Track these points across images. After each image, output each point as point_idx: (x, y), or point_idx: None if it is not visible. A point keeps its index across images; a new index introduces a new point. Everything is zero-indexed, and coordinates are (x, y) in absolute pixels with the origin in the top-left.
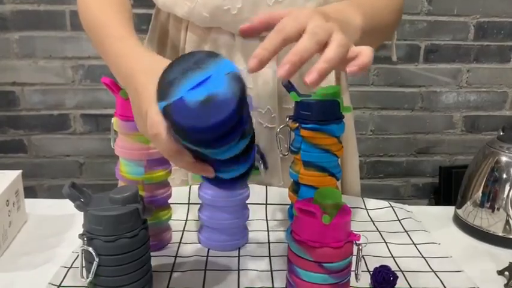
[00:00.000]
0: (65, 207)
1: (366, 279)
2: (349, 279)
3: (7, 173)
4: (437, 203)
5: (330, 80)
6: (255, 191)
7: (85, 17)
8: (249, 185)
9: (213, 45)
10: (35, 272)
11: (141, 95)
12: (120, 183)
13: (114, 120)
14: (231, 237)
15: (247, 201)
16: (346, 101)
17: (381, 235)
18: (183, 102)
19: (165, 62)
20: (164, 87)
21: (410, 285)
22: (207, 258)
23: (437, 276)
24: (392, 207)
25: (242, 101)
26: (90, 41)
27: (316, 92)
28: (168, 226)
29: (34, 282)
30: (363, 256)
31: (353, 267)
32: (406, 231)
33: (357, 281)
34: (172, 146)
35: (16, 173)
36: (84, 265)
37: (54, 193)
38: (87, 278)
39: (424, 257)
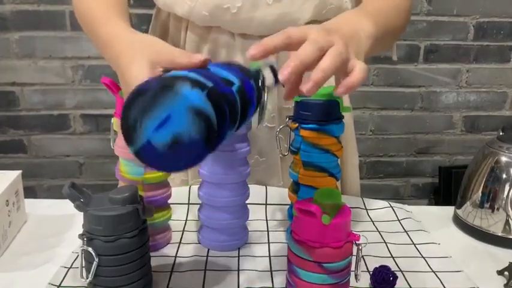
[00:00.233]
0: (65, 207)
1: (365, 280)
2: (348, 279)
3: (7, 173)
4: (437, 203)
5: (330, 80)
6: (255, 191)
7: (78, 6)
8: (249, 185)
9: (213, 45)
10: (34, 272)
11: (124, 76)
12: (120, 184)
13: (114, 120)
14: (230, 237)
15: (247, 201)
16: (345, 101)
17: (381, 235)
18: (151, 146)
19: (145, 39)
20: (129, 131)
21: (410, 285)
22: (206, 258)
23: (437, 276)
24: (392, 207)
25: (211, 132)
26: (84, 32)
27: (316, 92)
28: (168, 226)
29: (34, 282)
30: (362, 256)
31: (353, 267)
32: (405, 231)
33: (356, 281)
34: None
35: (16, 173)
36: (84, 265)
37: (54, 193)
38: (87, 278)
39: (423, 257)
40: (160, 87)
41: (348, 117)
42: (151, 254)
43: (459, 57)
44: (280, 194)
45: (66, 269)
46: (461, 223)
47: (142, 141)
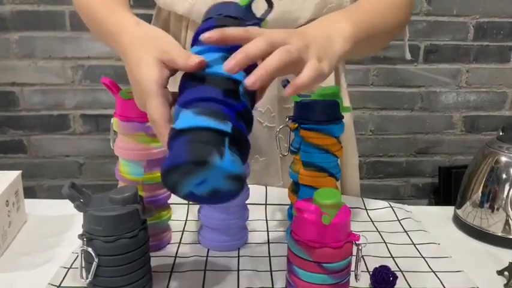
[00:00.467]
0: (65, 207)
1: (365, 280)
2: (348, 279)
3: (7, 173)
4: (437, 203)
5: (330, 80)
6: (255, 191)
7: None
8: (248, 185)
9: None
10: (34, 272)
11: (132, 72)
12: (120, 184)
13: (113, 120)
14: (230, 238)
15: (246, 202)
16: (345, 101)
17: (381, 235)
18: (194, 195)
19: (150, 33)
20: (171, 189)
21: (410, 286)
22: (206, 258)
23: (437, 276)
24: (392, 207)
25: (243, 178)
26: (85, 22)
27: (316, 92)
28: (168, 226)
29: (34, 283)
30: (362, 256)
31: (353, 268)
32: (405, 231)
33: (356, 281)
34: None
35: (16, 174)
36: (83, 265)
37: (53, 193)
38: (87, 278)
39: (423, 257)
40: (194, 162)
41: (347, 117)
42: (151, 254)
43: (459, 57)
44: (280, 194)
45: (66, 269)
46: (461, 223)
47: (185, 193)
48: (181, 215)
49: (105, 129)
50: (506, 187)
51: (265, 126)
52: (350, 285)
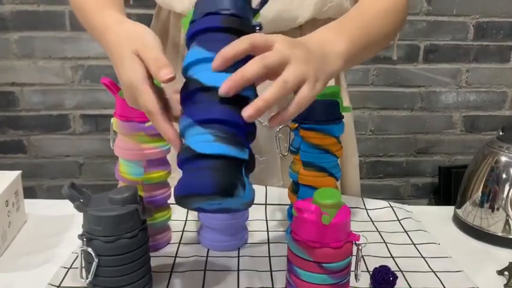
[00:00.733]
0: (65, 207)
1: (365, 280)
2: (348, 279)
3: (6, 173)
4: (437, 203)
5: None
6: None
7: None
8: None
9: None
10: (34, 272)
11: (117, 69)
12: (120, 184)
13: (113, 120)
14: (230, 238)
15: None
16: (345, 101)
17: (381, 235)
18: (203, 209)
19: (132, 31)
20: (183, 205)
21: (410, 285)
22: (206, 258)
23: (437, 276)
24: (392, 207)
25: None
26: (80, 22)
27: None
28: (168, 226)
29: (34, 283)
30: (362, 256)
31: (353, 268)
32: (405, 231)
33: (356, 281)
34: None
35: (15, 174)
36: (83, 265)
37: (53, 193)
38: (87, 278)
39: (423, 257)
40: (220, 194)
41: (347, 117)
42: (151, 254)
43: (459, 57)
44: (280, 194)
45: (66, 270)
46: (461, 223)
47: (194, 208)
48: (181, 215)
49: (105, 129)
50: (506, 187)
51: (265, 125)
52: (350, 285)
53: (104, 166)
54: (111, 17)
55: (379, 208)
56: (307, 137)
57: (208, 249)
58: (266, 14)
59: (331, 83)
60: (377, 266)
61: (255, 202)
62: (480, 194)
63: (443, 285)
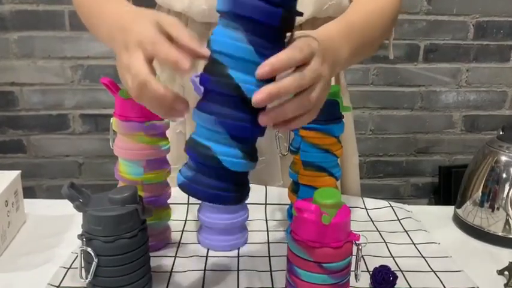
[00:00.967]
0: (64, 207)
1: (365, 279)
2: (348, 279)
3: (6, 173)
4: (437, 203)
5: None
6: (255, 191)
7: None
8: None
9: None
10: (34, 272)
11: (126, 32)
12: (120, 184)
13: (113, 120)
14: (230, 238)
15: (246, 201)
16: (345, 100)
17: (381, 235)
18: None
19: (150, 10)
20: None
21: (410, 285)
22: (206, 258)
23: (437, 276)
24: (392, 207)
25: None
26: (81, 13)
27: None
28: (168, 226)
29: (33, 283)
30: (362, 256)
31: (353, 267)
32: (405, 231)
33: (356, 281)
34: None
35: (15, 173)
36: (83, 265)
37: (53, 193)
38: (86, 278)
39: (423, 257)
40: (239, 202)
41: (347, 117)
42: (151, 254)
43: (459, 56)
44: (280, 193)
45: (66, 269)
46: (461, 223)
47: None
48: (181, 215)
49: (105, 129)
50: (507, 186)
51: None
52: (350, 285)
53: (104, 166)
54: (122, 5)
55: (379, 208)
56: (307, 137)
57: (208, 249)
58: None
59: (331, 82)
60: (377, 266)
61: (255, 202)
62: (480, 194)
63: (443, 285)
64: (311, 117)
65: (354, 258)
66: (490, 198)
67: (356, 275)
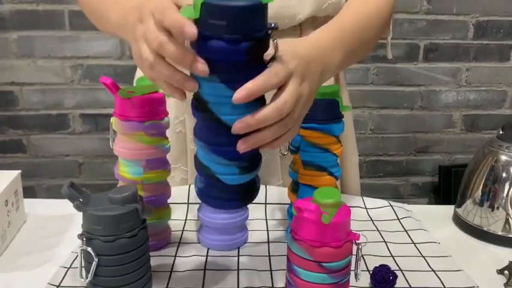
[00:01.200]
0: (64, 207)
1: (365, 279)
2: (348, 278)
3: (6, 173)
4: (436, 202)
5: (330, 79)
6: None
7: None
8: None
9: None
10: (34, 272)
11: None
12: (120, 183)
13: (113, 120)
14: (230, 237)
15: None
16: (345, 100)
17: (381, 234)
18: None
19: None
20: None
21: (409, 285)
22: (206, 258)
23: (437, 276)
24: (391, 206)
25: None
26: (88, 7)
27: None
28: (168, 226)
29: (33, 283)
30: (362, 255)
31: (352, 267)
32: (405, 230)
33: (356, 281)
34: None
35: (15, 173)
36: (83, 265)
37: (53, 193)
38: (87, 278)
39: (423, 256)
40: (244, 205)
41: (347, 116)
42: (151, 253)
43: (459, 56)
44: (280, 193)
45: (66, 269)
46: (461, 222)
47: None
48: (181, 215)
49: (105, 129)
50: (506, 186)
51: None
52: (350, 284)
53: (104, 165)
54: None
55: (379, 207)
56: (307, 136)
57: (208, 249)
58: None
59: (331, 82)
60: (377, 265)
61: (254, 201)
62: (480, 193)
63: (443, 284)
64: (293, 134)
65: (353, 258)
66: (490, 198)
67: (356, 275)
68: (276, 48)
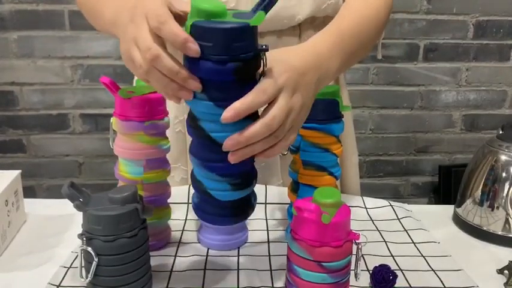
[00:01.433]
0: (64, 207)
1: (365, 279)
2: (348, 278)
3: (6, 173)
4: (436, 202)
5: None
6: (255, 190)
7: None
8: None
9: None
10: (34, 272)
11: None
12: (120, 183)
13: (113, 119)
14: (230, 237)
15: None
16: (345, 100)
17: (381, 234)
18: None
19: None
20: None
21: (409, 284)
22: (206, 257)
23: (437, 275)
24: (391, 206)
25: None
26: (87, 16)
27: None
28: (168, 226)
29: (33, 282)
30: (362, 255)
31: (352, 267)
32: (405, 230)
33: (356, 280)
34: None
35: (15, 173)
36: (83, 265)
37: (53, 193)
38: (87, 278)
39: (423, 256)
40: (238, 222)
41: (347, 116)
42: (151, 253)
43: (459, 55)
44: (280, 193)
45: (66, 269)
46: (461, 222)
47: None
48: (181, 215)
49: (105, 129)
50: (506, 186)
51: None
52: (350, 284)
53: (104, 165)
54: None
55: (379, 207)
56: (307, 136)
57: (208, 249)
58: None
59: (331, 82)
60: (377, 265)
61: None
62: (480, 193)
63: (443, 284)
64: (286, 144)
65: (353, 258)
66: (490, 198)
67: (356, 274)
68: (265, 64)
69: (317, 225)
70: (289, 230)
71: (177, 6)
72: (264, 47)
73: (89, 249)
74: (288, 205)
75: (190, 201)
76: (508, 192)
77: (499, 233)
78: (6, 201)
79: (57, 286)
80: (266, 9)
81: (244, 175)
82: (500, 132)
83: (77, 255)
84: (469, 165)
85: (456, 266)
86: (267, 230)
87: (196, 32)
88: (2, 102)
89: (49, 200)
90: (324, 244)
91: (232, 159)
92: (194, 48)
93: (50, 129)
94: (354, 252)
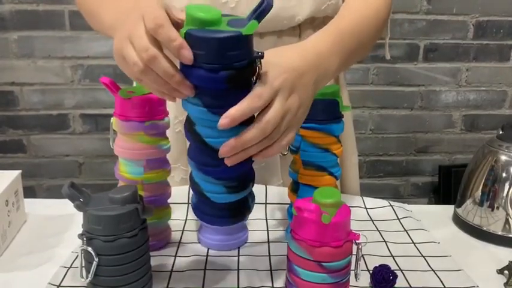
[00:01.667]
0: (65, 207)
1: (365, 279)
2: (348, 278)
3: (6, 173)
4: (436, 202)
5: None
6: (255, 190)
7: None
8: None
9: None
10: (34, 272)
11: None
12: (120, 183)
13: (113, 120)
14: (230, 237)
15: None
16: (345, 100)
17: (381, 234)
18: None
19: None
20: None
21: (409, 285)
22: (206, 257)
23: (437, 275)
24: (391, 206)
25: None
26: (86, 17)
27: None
28: (168, 226)
29: (33, 282)
30: (362, 255)
31: (352, 267)
32: (405, 230)
33: (356, 280)
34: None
35: (15, 173)
36: (83, 265)
37: (53, 193)
38: (87, 278)
39: (423, 256)
40: (235, 223)
41: (347, 116)
42: (151, 253)
43: (459, 56)
44: (280, 193)
45: (66, 269)
46: (461, 222)
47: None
48: (181, 215)
49: (105, 129)
50: (506, 186)
51: None
52: (350, 284)
53: (104, 165)
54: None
55: (379, 207)
56: (307, 136)
57: (208, 249)
58: None
59: (331, 81)
60: (377, 265)
61: (255, 201)
62: (480, 193)
63: (443, 284)
64: (282, 146)
65: (353, 258)
66: (490, 198)
67: (356, 274)
68: (259, 68)
69: (317, 225)
70: (289, 230)
71: (175, 13)
72: (259, 53)
73: (89, 249)
74: (288, 205)
75: (190, 201)
76: (508, 192)
77: (499, 233)
78: (7, 201)
79: (58, 286)
80: (259, 18)
81: (241, 178)
82: (500, 132)
83: (77, 255)
84: (469, 165)
85: (456, 266)
86: (267, 230)
87: (190, 40)
88: (2, 102)
89: (49, 200)
90: (324, 244)
91: (228, 162)
92: (188, 55)
93: (50, 130)
94: (354, 252)
